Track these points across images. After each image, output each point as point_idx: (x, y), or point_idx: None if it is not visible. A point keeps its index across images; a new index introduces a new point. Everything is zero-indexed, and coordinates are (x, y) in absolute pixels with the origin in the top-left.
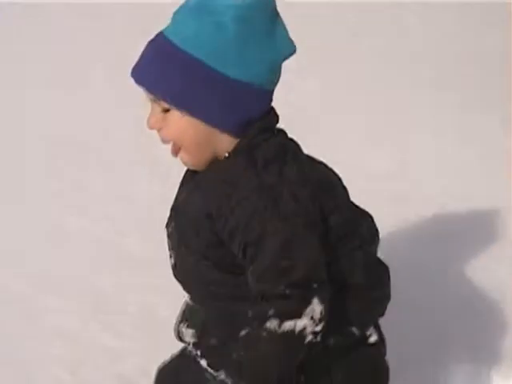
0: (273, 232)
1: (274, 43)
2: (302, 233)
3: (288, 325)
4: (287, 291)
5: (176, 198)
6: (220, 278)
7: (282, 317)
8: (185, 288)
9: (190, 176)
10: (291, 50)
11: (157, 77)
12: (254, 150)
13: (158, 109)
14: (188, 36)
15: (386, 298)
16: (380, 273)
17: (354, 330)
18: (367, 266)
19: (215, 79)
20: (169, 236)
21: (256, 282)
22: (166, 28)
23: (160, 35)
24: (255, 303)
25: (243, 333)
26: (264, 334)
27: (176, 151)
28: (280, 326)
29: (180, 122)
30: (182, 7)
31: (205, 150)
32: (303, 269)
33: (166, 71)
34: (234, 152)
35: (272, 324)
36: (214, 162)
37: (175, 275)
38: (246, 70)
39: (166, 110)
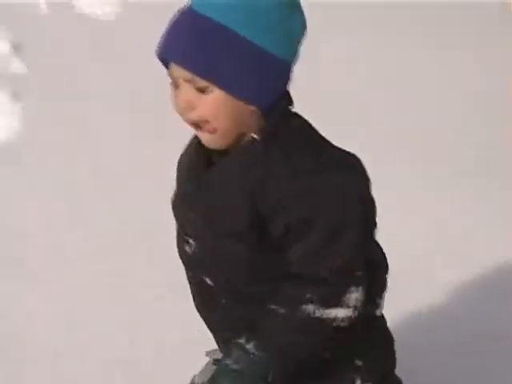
0: (324, 213)
1: (300, 17)
2: (354, 215)
3: (324, 312)
4: (330, 278)
5: (191, 180)
6: (255, 260)
7: (320, 303)
8: (204, 275)
9: (204, 157)
10: (306, 25)
11: (195, 52)
12: (289, 129)
13: (191, 89)
14: (226, 10)
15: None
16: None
17: (378, 300)
18: (379, 246)
19: (256, 54)
20: (188, 222)
21: (299, 263)
22: (193, 2)
23: (188, 10)
24: (294, 282)
25: (274, 307)
26: (298, 314)
27: (211, 130)
28: (315, 311)
29: (217, 99)
30: None
31: (235, 129)
32: (349, 255)
33: (205, 46)
34: (270, 132)
35: (308, 308)
36: (248, 142)
37: (190, 263)
38: (283, 45)
39: (201, 89)
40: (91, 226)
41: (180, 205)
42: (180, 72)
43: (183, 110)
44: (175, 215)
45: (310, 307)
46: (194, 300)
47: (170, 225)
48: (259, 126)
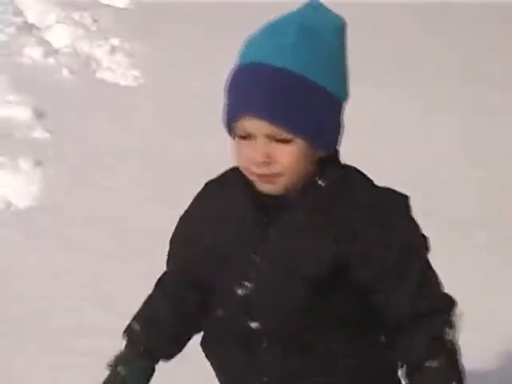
0: (414, 244)
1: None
2: (426, 242)
3: (455, 333)
4: (444, 299)
5: (250, 224)
6: (315, 303)
7: (450, 328)
8: (250, 319)
9: (253, 199)
10: None
11: (283, 108)
12: (347, 174)
13: (271, 142)
14: (306, 63)
15: None
16: None
17: None
18: None
19: (329, 100)
20: (249, 265)
21: (415, 300)
22: (264, 56)
23: (263, 65)
24: (427, 322)
25: (428, 364)
26: (449, 346)
27: (281, 180)
28: (450, 333)
29: (298, 150)
30: (281, 34)
31: (300, 174)
32: (436, 273)
33: (291, 100)
34: (334, 177)
35: (447, 338)
36: (314, 187)
37: (239, 305)
38: (343, 88)
39: (284, 141)
40: (108, 287)
41: (236, 249)
42: (263, 128)
43: (260, 163)
44: (222, 260)
45: (446, 337)
46: (222, 353)
47: None
48: (313, 170)
